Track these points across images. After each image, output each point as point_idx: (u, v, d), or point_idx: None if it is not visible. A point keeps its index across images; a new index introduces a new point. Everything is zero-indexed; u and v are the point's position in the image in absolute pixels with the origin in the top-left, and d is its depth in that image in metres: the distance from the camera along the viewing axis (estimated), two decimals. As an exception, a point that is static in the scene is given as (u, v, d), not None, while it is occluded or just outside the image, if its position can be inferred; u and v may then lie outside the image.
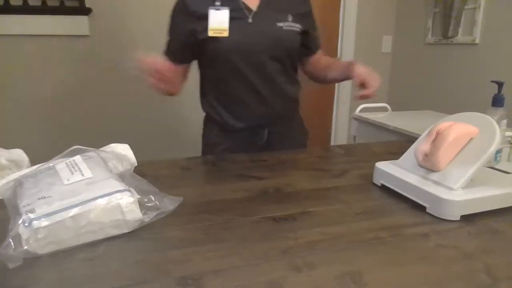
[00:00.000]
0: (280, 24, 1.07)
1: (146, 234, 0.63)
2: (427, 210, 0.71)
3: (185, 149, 2.56)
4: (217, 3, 1.03)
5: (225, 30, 1.02)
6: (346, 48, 2.81)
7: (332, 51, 2.86)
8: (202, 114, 2.64)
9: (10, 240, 0.54)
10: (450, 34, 2.33)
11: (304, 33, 1.15)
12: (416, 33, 2.64)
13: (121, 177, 0.70)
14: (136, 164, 0.85)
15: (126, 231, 0.62)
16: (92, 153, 0.74)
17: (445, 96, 2.43)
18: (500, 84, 0.93)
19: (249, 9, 1.06)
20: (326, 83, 1.29)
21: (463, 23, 2.28)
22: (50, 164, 0.70)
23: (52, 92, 2.24)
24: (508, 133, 0.94)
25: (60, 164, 0.69)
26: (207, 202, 0.76)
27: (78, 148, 0.76)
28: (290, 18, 1.09)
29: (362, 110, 2.23)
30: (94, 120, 2.35)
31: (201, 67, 1.17)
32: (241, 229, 0.65)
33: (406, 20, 2.76)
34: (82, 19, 2.18)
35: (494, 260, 0.56)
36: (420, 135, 0.84)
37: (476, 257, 0.57)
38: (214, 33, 1.02)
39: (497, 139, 0.70)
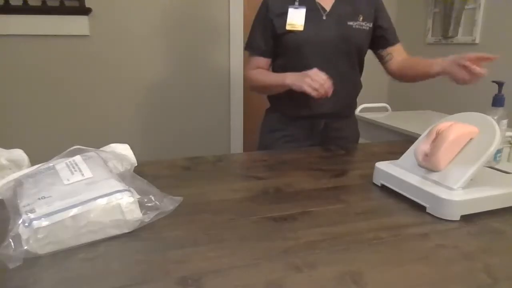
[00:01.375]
0: (351, 23, 1.20)
1: (146, 234, 0.63)
2: (427, 210, 0.71)
3: (185, 149, 2.56)
4: (296, 3, 1.20)
5: (300, 26, 1.18)
6: (346, 48, 2.80)
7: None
8: (201, 114, 2.63)
9: (10, 240, 0.54)
10: (450, 34, 2.33)
11: (378, 28, 1.25)
12: (416, 33, 2.64)
13: (121, 177, 0.70)
14: (136, 164, 0.85)
15: (126, 231, 0.62)
16: (92, 153, 0.74)
17: (445, 96, 2.42)
18: (500, 84, 0.93)
19: (324, 9, 1.20)
20: (415, 80, 1.27)
21: (463, 23, 2.27)
22: (50, 164, 0.70)
23: (52, 92, 2.24)
24: (508, 133, 0.94)
25: (60, 164, 0.69)
26: (207, 202, 0.76)
27: (78, 148, 0.76)
28: (360, 17, 1.21)
29: (362, 110, 2.23)
30: (94, 120, 2.35)
31: (274, 60, 1.30)
32: (241, 229, 0.65)
33: (406, 20, 2.76)
34: (82, 19, 2.17)
35: (494, 260, 0.56)
36: (420, 135, 0.84)
37: (476, 257, 0.57)
38: (291, 27, 1.19)
39: (497, 139, 0.70)
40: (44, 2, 2.07)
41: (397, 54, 1.27)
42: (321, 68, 1.16)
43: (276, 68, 1.30)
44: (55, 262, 0.55)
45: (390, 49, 1.27)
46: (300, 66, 1.19)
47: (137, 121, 2.43)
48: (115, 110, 2.37)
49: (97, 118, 2.35)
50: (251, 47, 1.30)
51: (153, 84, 2.40)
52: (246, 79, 1.32)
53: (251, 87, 1.33)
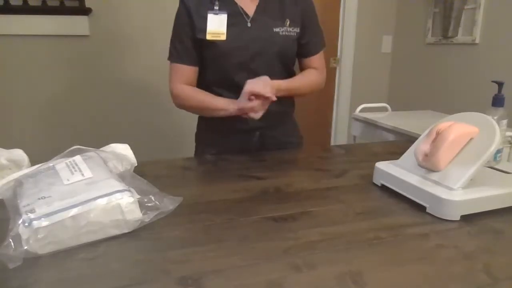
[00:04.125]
0: (277, 30, 1.07)
1: (146, 234, 0.63)
2: (427, 210, 0.71)
3: (185, 149, 2.56)
4: (216, 8, 1.04)
5: (222, 34, 1.03)
6: (346, 48, 2.81)
7: (332, 51, 2.86)
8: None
9: (10, 240, 0.54)
10: (450, 34, 2.33)
11: (302, 34, 1.12)
12: (416, 33, 2.64)
13: (121, 177, 0.70)
14: (136, 164, 0.85)
15: (126, 231, 0.62)
16: (92, 153, 0.74)
17: (445, 96, 2.42)
18: (500, 84, 0.93)
19: (247, 15, 1.06)
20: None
21: (463, 23, 2.27)
22: (50, 164, 0.70)
23: (52, 92, 2.24)
24: (508, 133, 0.94)
25: (60, 164, 0.69)
26: (207, 202, 0.76)
27: (78, 148, 0.76)
28: (287, 22, 1.08)
29: (362, 110, 2.23)
30: (94, 120, 2.35)
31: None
32: (241, 229, 0.65)
33: (406, 20, 2.76)
34: (82, 19, 2.18)
35: (494, 260, 0.56)
36: (420, 135, 0.84)
37: (476, 257, 0.57)
38: (212, 36, 1.03)
39: (497, 139, 0.70)
40: (44, 2, 2.07)
41: (310, 65, 1.19)
42: (247, 79, 1.03)
43: (200, 83, 1.14)
44: (55, 262, 0.55)
45: (307, 61, 1.18)
46: (224, 79, 1.08)
47: (137, 121, 2.43)
48: (115, 110, 2.37)
49: (97, 118, 2.35)
50: (176, 55, 1.11)
51: (153, 84, 2.40)
52: (174, 95, 1.14)
53: (180, 105, 1.15)
